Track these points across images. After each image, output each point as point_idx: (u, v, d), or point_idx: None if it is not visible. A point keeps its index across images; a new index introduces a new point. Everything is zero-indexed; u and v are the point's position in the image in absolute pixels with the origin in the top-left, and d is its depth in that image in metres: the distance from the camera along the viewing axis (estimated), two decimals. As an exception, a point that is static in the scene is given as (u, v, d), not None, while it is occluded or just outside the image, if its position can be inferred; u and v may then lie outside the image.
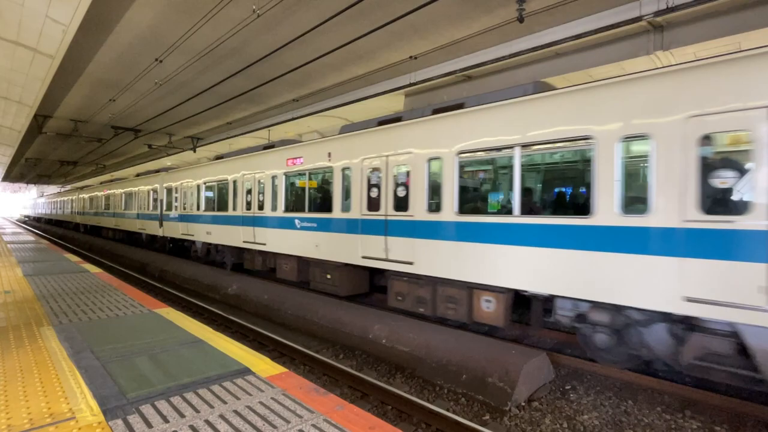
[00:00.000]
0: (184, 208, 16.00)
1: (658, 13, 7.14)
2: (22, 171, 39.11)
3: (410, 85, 11.43)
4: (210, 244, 14.92)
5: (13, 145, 20.34)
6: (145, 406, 2.96)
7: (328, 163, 9.43)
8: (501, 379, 5.32)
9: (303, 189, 10.33)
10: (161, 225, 17.99)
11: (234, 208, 12.74)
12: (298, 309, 8.89)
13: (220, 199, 13.91)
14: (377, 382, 5.61)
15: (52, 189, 57.94)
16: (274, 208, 11.04)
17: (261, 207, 11.53)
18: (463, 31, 9.10)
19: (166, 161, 26.33)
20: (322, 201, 9.92)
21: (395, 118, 8.44)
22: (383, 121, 8.71)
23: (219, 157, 14.71)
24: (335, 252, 9.08)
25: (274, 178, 11.14)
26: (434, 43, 9.70)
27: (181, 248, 18.57)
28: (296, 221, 10.18)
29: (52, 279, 8.13)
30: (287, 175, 10.77)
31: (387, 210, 8.02)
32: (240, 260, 13.58)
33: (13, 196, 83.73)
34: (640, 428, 4.75)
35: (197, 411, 2.90)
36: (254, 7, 7.76)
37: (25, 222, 60.61)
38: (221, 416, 2.84)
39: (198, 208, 15.01)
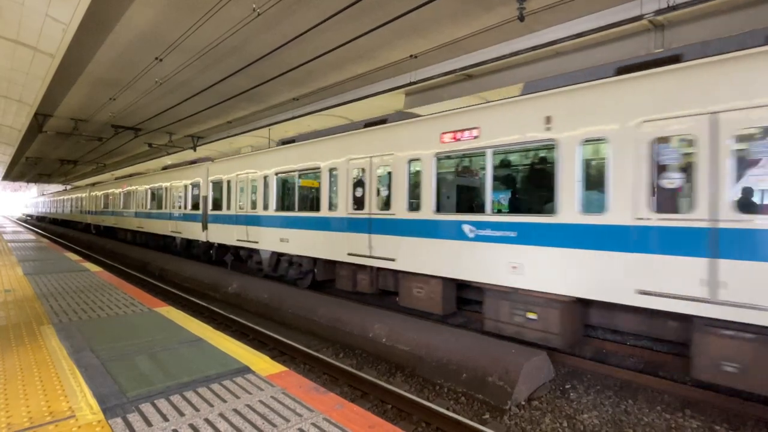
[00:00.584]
0: (241, 207, 12.55)
1: (659, 12, 7.14)
2: (23, 170, 39.16)
3: (410, 84, 11.43)
4: (282, 254, 11.31)
5: (13, 144, 20.37)
6: (145, 404, 2.96)
7: (544, 134, 5.96)
8: (501, 378, 5.32)
9: (478, 178, 7.17)
10: (205, 228, 14.54)
11: (331, 208, 9.39)
12: (298, 308, 8.89)
13: (305, 195, 10.63)
14: (377, 381, 5.61)
15: (55, 187, 57.84)
16: (412, 207, 7.70)
17: (385, 206, 8.25)
18: (464, 30, 9.09)
19: (167, 160, 26.34)
20: (529, 196, 6.91)
21: (670, 57, 5.29)
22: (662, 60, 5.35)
23: (287, 141, 11.37)
24: (566, 279, 5.72)
25: (413, 163, 7.71)
26: (434, 41, 9.70)
27: (232, 257, 14.84)
28: (466, 228, 6.81)
29: (53, 278, 8.13)
30: (442, 158, 7.32)
31: (718, 211, 4.62)
32: (329, 276, 10.35)
33: (13, 194, 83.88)
34: (639, 427, 4.75)
35: (197, 410, 2.90)
36: (254, 5, 7.76)
37: (26, 221, 60.48)
38: (221, 415, 2.84)
39: (266, 207, 11.45)
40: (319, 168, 9.77)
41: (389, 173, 8.15)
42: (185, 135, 21.01)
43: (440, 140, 7.20)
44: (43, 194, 59.80)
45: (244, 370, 3.63)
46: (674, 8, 6.94)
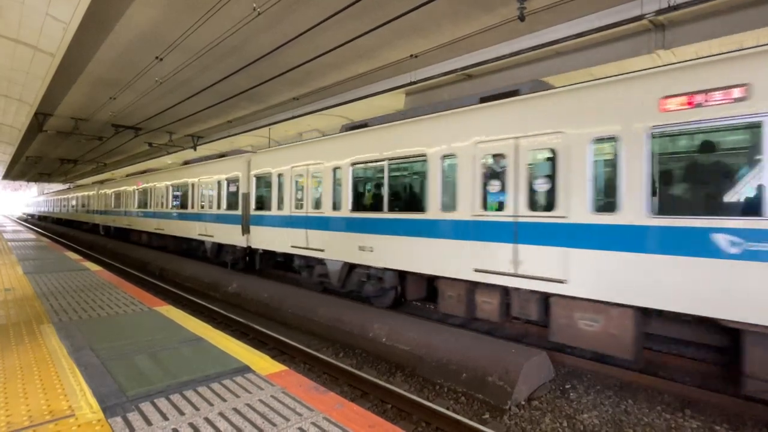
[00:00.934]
0: (298, 207, 10.45)
1: (659, 12, 7.14)
2: (23, 169, 39.15)
3: (411, 83, 11.43)
4: (356, 266, 9.05)
5: (13, 144, 20.39)
6: (145, 403, 2.96)
7: None
8: (501, 378, 5.32)
9: (743, 164, 4.78)
10: (246, 231, 12.36)
11: (445, 208, 7.22)
12: (298, 308, 8.89)
13: (398, 191, 8.60)
14: (377, 381, 5.61)
15: (57, 186, 57.68)
16: (601, 207, 5.53)
17: (546, 205, 6.08)
18: (464, 30, 9.09)
19: (167, 159, 26.34)
20: None
21: None
22: None
23: (354, 127, 9.34)
24: None
25: (599, 144, 5.55)
26: (435, 41, 9.70)
27: (277, 265, 12.75)
28: (720, 240, 4.57)
29: (52, 277, 8.13)
30: (662, 134, 5.11)
31: None
32: (420, 294, 8.60)
33: (14, 194, 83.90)
34: (639, 427, 4.75)
35: (197, 409, 2.90)
36: (255, 5, 7.76)
37: (26, 221, 60.35)
38: (221, 414, 2.84)
39: (336, 207, 9.28)
40: (424, 156, 7.52)
41: (550, 159, 5.98)
42: (185, 134, 21.02)
43: (658, 107, 5.02)
44: (44, 193, 59.70)
45: (244, 369, 3.63)
46: (675, 8, 6.95)
